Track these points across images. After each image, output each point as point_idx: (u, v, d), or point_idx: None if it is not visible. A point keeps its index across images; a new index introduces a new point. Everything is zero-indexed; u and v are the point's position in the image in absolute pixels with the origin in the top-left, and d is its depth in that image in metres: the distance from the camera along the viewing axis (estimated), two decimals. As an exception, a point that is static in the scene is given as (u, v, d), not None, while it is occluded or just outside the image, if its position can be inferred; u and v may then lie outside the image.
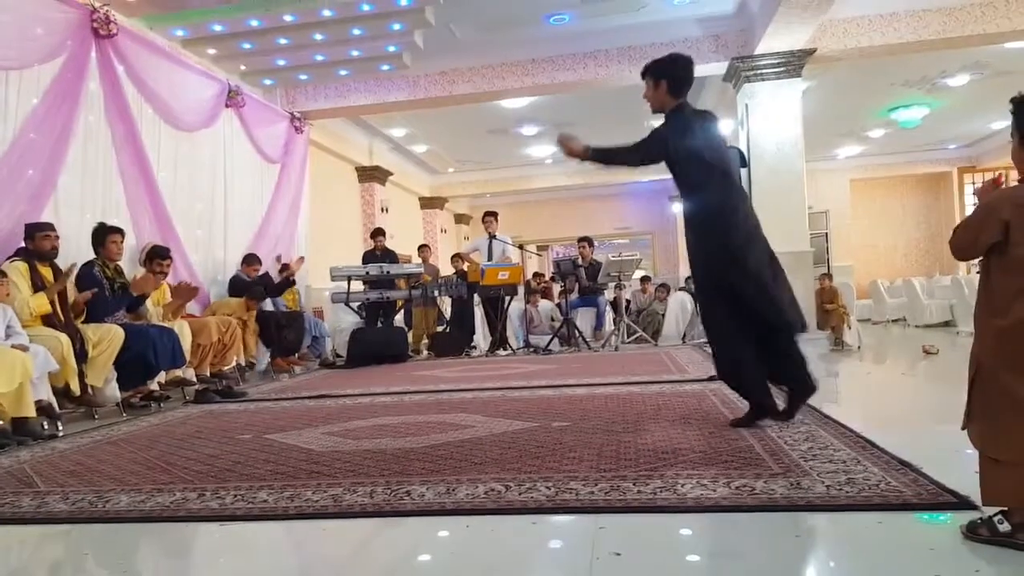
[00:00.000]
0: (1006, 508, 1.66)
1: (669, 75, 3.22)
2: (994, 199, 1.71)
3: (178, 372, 5.07)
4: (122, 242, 5.09)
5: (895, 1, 7.35)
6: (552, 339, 8.17)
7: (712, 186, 3.10)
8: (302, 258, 7.86)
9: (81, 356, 4.24)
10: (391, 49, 7.65)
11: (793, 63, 7.84)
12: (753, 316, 3.00)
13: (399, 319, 8.56)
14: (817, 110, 10.25)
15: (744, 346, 3.04)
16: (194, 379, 5.29)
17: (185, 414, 4.55)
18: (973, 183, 14.71)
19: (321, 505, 2.25)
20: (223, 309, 6.25)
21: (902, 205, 16.01)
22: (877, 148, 14.14)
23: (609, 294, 9.11)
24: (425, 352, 8.48)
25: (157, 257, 5.42)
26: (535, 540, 1.96)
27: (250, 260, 6.99)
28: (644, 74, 3.30)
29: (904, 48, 7.75)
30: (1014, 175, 1.79)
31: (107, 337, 4.43)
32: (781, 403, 3.12)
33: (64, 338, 4.13)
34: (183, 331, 5.09)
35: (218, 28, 6.95)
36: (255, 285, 6.72)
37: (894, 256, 15.85)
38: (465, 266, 9.36)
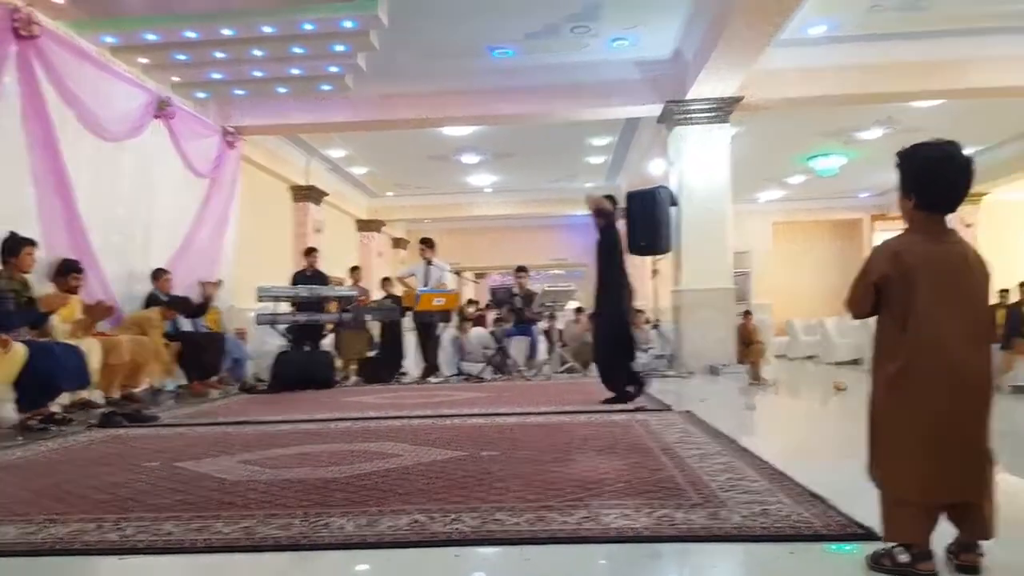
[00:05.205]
0: None
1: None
2: (872, 259, 1.83)
3: (83, 393, 4.78)
4: (34, 254, 4.84)
5: (818, 57, 7.82)
6: (485, 367, 8.15)
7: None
8: (220, 281, 7.57)
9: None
10: (333, 70, 7.59)
11: (723, 109, 8.20)
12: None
13: (327, 343, 8.35)
14: (743, 155, 10.71)
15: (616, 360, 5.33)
16: (101, 401, 4.99)
17: (89, 439, 4.27)
18: (883, 231, 15.66)
19: (232, 538, 2.15)
20: (138, 320, 5.98)
21: (818, 248, 16.82)
22: (797, 194, 14.90)
23: (543, 324, 9.17)
24: (353, 378, 8.30)
25: (72, 271, 5.15)
26: (458, 573, 1.92)
27: (157, 274, 6.71)
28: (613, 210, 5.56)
29: (825, 101, 8.24)
30: None
31: (6, 355, 4.15)
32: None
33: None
34: (92, 349, 4.82)
35: (151, 37, 6.74)
36: (176, 302, 6.46)
37: (809, 296, 16.58)
38: (396, 290, 9.26)
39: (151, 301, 6.47)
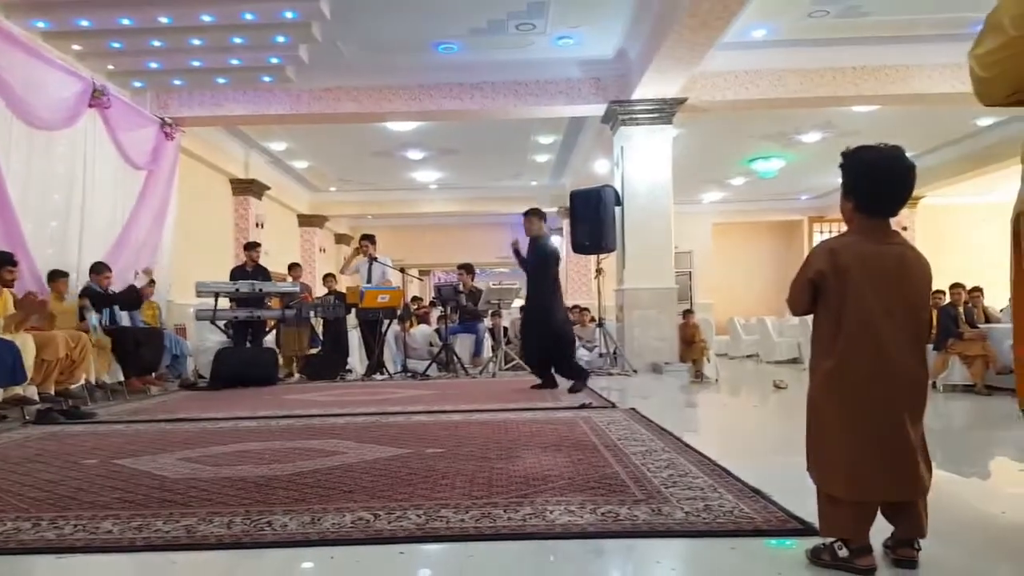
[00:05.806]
0: None
1: (544, 217, 6.22)
2: (810, 256, 1.86)
3: (18, 389, 4.59)
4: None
5: (759, 60, 8.06)
6: (430, 364, 8.13)
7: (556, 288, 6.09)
8: (148, 270, 7.38)
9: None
10: (274, 61, 7.44)
11: (666, 110, 8.37)
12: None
13: (270, 339, 8.18)
14: (685, 156, 10.97)
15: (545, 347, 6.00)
16: (36, 397, 4.80)
17: (24, 436, 4.12)
18: (821, 232, 16.27)
19: (173, 536, 2.11)
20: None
21: (758, 249, 17.36)
22: (737, 195, 15.32)
23: (488, 321, 9.21)
24: (297, 375, 8.15)
25: (6, 264, 4.92)
26: (402, 570, 1.93)
27: (99, 268, 6.48)
28: (530, 214, 6.15)
29: (765, 104, 8.49)
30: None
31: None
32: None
33: None
34: (26, 345, 4.63)
35: (84, 23, 6.47)
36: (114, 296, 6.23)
37: (750, 296, 17.10)
38: (339, 286, 9.14)
39: (87, 294, 6.23)
